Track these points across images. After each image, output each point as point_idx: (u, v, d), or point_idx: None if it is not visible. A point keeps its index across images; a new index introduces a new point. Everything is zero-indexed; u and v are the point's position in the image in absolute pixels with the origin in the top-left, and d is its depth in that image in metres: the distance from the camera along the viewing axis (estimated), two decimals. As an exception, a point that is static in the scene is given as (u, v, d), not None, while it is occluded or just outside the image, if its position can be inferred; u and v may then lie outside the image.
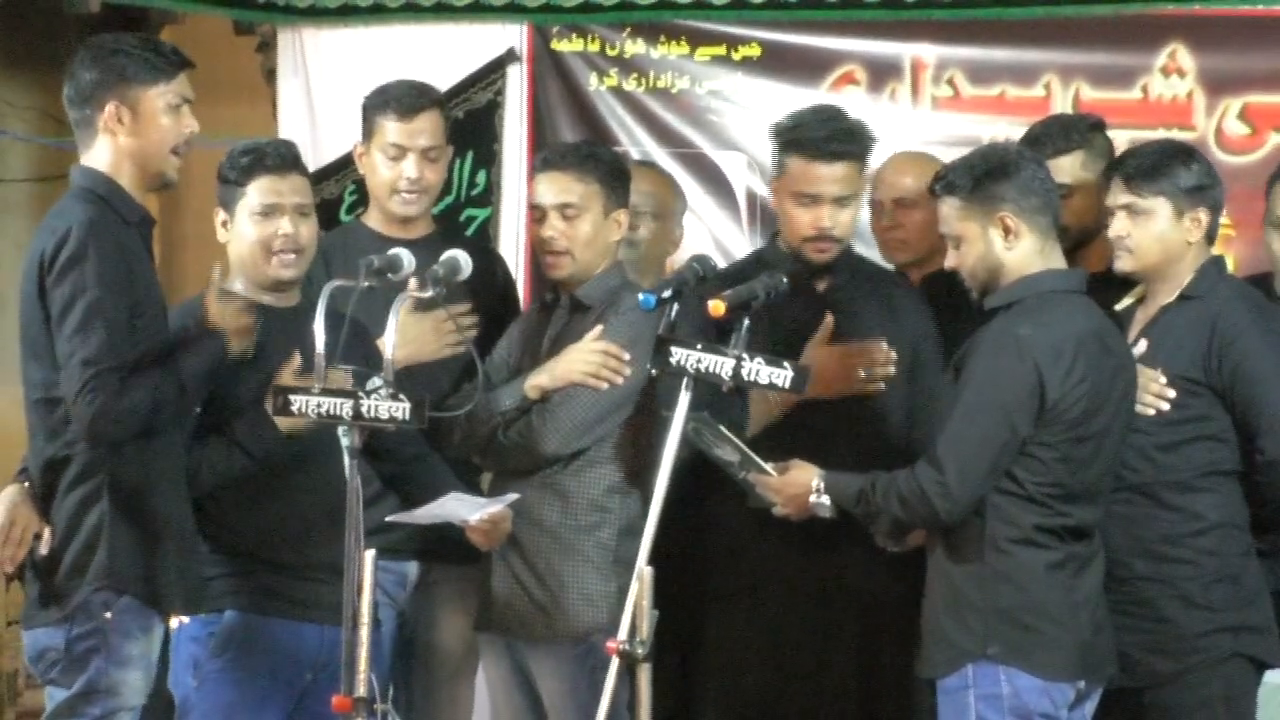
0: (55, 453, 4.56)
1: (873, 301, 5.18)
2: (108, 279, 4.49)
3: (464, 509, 4.82)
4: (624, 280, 5.17)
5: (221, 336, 4.63)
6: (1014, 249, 4.67)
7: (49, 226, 4.56)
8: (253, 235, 4.87)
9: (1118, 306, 4.95)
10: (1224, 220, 5.01)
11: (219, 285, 4.72)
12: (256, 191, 4.86)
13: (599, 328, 5.03)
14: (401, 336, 5.08)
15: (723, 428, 4.78)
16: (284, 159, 4.91)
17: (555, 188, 5.09)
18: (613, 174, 5.14)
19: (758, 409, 5.02)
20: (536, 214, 5.14)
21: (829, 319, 5.09)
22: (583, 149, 5.24)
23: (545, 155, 5.23)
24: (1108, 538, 4.75)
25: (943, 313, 5.26)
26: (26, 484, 4.62)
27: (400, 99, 5.37)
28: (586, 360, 5.00)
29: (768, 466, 4.84)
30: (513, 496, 4.89)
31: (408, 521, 4.80)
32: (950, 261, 4.78)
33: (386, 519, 4.80)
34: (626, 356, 4.98)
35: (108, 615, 4.53)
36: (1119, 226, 4.85)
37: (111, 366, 4.45)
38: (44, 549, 4.57)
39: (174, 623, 4.78)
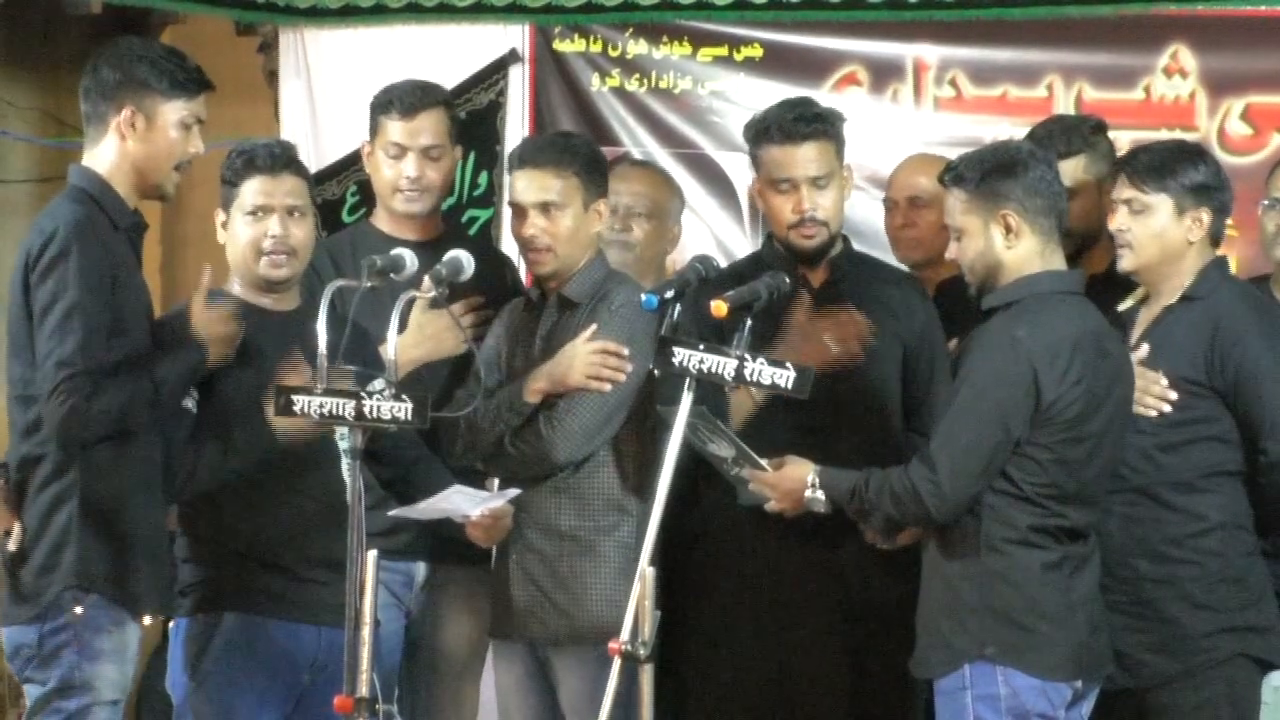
0: (29, 451, 4.58)
1: (868, 297, 5.16)
2: (89, 281, 4.49)
3: (466, 503, 4.80)
4: (608, 271, 5.14)
5: (202, 345, 4.64)
6: (1013, 248, 4.67)
7: (38, 226, 4.58)
8: (244, 236, 4.86)
9: (1120, 307, 4.95)
10: (1227, 221, 4.99)
11: (208, 289, 4.72)
12: (248, 192, 4.85)
13: (592, 327, 5.01)
14: (420, 334, 5.08)
15: (719, 423, 4.77)
16: (276, 159, 4.88)
17: (534, 185, 5.05)
18: (589, 165, 5.09)
19: (740, 401, 5.00)
20: (516, 211, 5.11)
21: (804, 295, 5.07)
22: (558, 142, 5.19)
23: (520, 152, 5.16)
24: (1111, 538, 4.76)
25: (959, 318, 5.26)
26: (2, 481, 4.63)
27: (402, 98, 5.36)
28: (587, 362, 4.98)
29: (763, 462, 4.83)
30: (514, 492, 4.88)
31: (410, 516, 4.79)
32: (950, 253, 4.78)
33: (389, 514, 4.79)
34: (625, 352, 4.96)
35: (78, 610, 4.53)
36: (1119, 220, 4.86)
37: (86, 369, 4.46)
38: (12, 545, 4.58)
39: (171, 623, 4.77)
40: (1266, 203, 5.31)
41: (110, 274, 4.55)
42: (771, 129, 5.12)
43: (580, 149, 5.13)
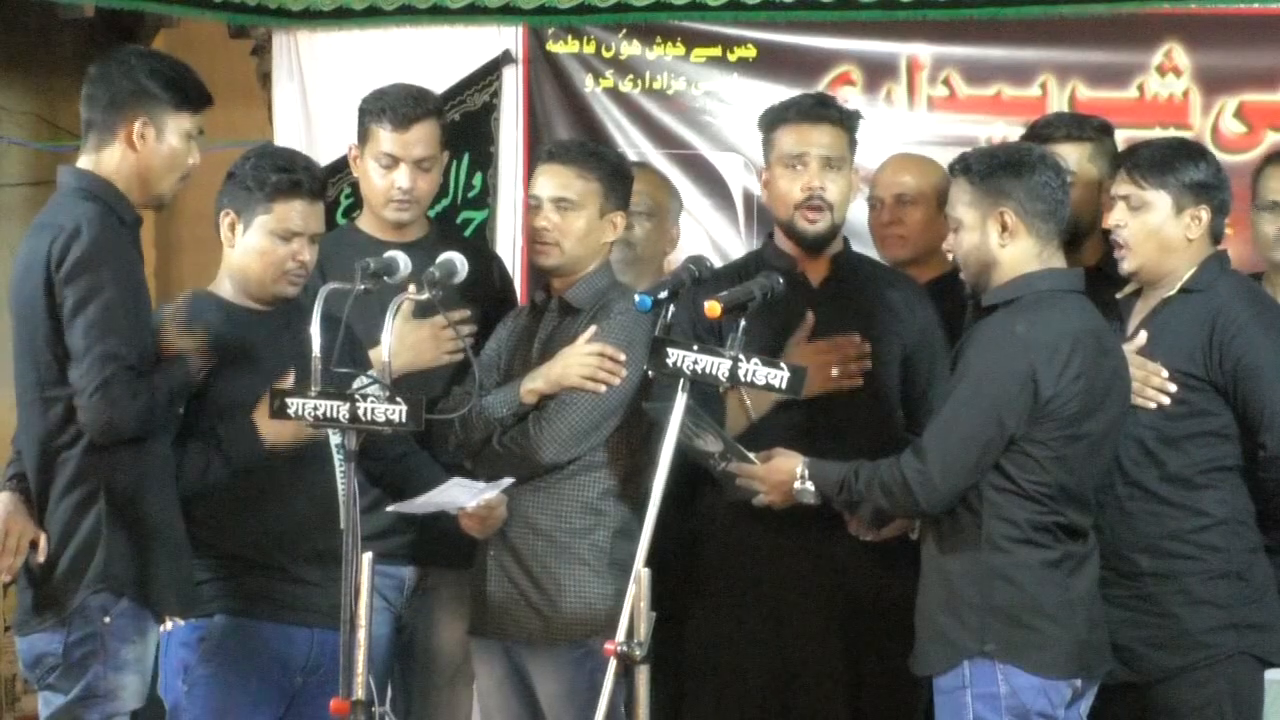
0: (49, 456, 4.55)
1: (868, 299, 5.17)
2: (124, 277, 4.49)
3: (463, 495, 4.79)
4: (613, 281, 5.16)
5: (185, 362, 4.65)
6: (1007, 247, 4.68)
7: (51, 225, 4.53)
8: (267, 254, 4.83)
9: (1118, 295, 4.95)
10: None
11: (194, 290, 4.73)
12: (284, 214, 4.81)
13: (592, 329, 5.02)
14: (400, 343, 5.07)
15: (707, 417, 4.77)
16: (317, 187, 4.88)
17: (555, 181, 5.10)
18: (614, 175, 5.14)
19: (734, 413, 5.01)
20: (533, 203, 5.15)
21: (809, 316, 5.08)
22: (589, 147, 5.27)
23: (550, 148, 5.24)
24: (1112, 533, 4.76)
25: (946, 317, 5.25)
26: (19, 494, 4.60)
27: (395, 109, 5.33)
28: (583, 364, 4.99)
29: (751, 455, 4.83)
30: (508, 482, 4.86)
31: (408, 511, 4.78)
32: (947, 244, 4.80)
33: (388, 509, 4.78)
34: (622, 357, 4.98)
35: (106, 619, 4.52)
36: (1116, 216, 4.87)
37: (130, 364, 4.46)
38: (40, 556, 4.56)
39: (163, 627, 4.76)
40: (1263, 206, 5.31)
41: (134, 268, 4.55)
42: (790, 110, 5.19)
43: (608, 158, 5.20)
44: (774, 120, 5.21)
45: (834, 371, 5.06)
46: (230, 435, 4.72)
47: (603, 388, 4.97)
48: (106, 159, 4.63)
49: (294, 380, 4.67)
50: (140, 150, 4.62)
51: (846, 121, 5.20)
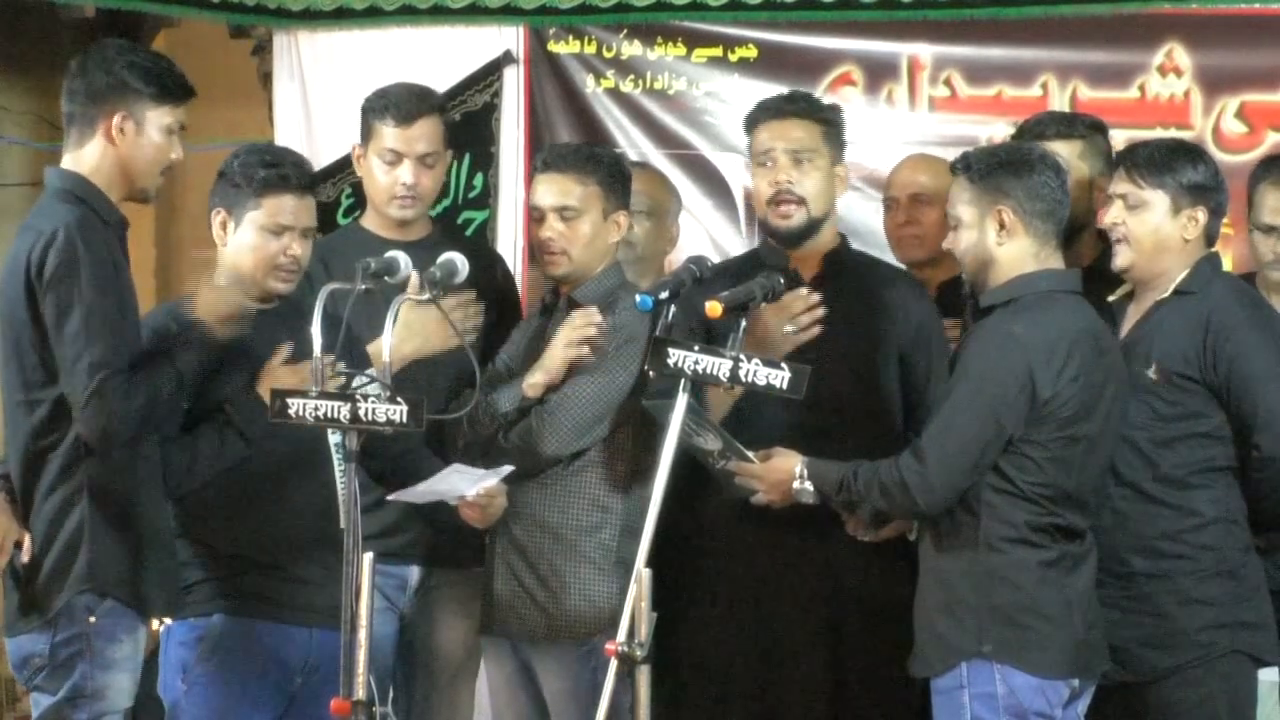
0: (34, 456, 4.56)
1: (861, 296, 5.17)
2: (102, 281, 4.48)
3: (463, 483, 4.78)
4: (622, 280, 5.17)
5: (205, 328, 4.61)
6: (1005, 245, 4.68)
7: (33, 228, 4.54)
8: (259, 249, 4.82)
9: (1110, 298, 4.96)
10: (1223, 221, 5.00)
11: (178, 296, 4.72)
12: (273, 208, 4.81)
13: (581, 310, 5.02)
14: (408, 330, 5.09)
15: (706, 415, 4.77)
16: (306, 180, 4.88)
17: (555, 190, 5.09)
18: (613, 176, 5.13)
19: (717, 397, 5.00)
20: (535, 214, 5.14)
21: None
22: (583, 150, 5.24)
23: (545, 157, 5.20)
24: (1105, 534, 4.76)
25: (960, 317, 5.25)
26: (2, 490, 4.60)
27: (399, 105, 5.35)
28: (565, 337, 4.98)
29: (750, 454, 4.83)
30: (507, 469, 4.86)
31: (407, 499, 4.77)
32: (946, 242, 4.82)
33: (388, 498, 4.78)
34: (597, 317, 4.96)
35: (91, 619, 4.53)
36: (1113, 215, 4.88)
37: (119, 369, 4.45)
38: (25, 557, 4.56)
39: (160, 626, 4.76)
40: (1258, 226, 5.31)
41: (115, 271, 4.54)
42: (761, 110, 5.22)
43: (604, 159, 5.18)
44: (750, 122, 5.25)
45: (787, 328, 5.03)
46: (238, 412, 4.71)
47: (586, 349, 4.96)
48: (87, 155, 4.64)
49: (289, 355, 4.68)
50: (120, 145, 4.62)
51: (818, 114, 5.20)
